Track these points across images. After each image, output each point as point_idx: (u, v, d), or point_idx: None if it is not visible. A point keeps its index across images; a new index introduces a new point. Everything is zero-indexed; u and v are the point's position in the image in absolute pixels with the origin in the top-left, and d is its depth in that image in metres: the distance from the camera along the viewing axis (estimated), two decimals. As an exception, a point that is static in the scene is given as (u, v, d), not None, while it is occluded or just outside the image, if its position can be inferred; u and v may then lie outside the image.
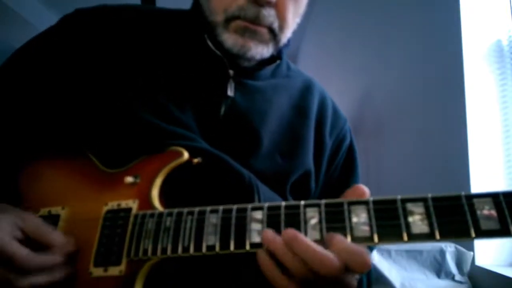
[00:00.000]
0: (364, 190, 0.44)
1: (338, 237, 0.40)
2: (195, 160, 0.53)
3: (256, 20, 0.55)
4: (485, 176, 1.09)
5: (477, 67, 1.16)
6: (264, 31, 0.57)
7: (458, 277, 1.02)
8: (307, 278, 0.39)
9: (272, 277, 0.40)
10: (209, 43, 0.60)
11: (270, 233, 0.41)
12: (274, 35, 0.58)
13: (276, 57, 0.66)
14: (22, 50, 0.64)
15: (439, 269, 1.04)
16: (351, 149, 0.73)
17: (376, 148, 1.82)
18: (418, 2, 1.51)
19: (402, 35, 1.64)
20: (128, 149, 0.55)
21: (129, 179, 0.52)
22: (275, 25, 0.57)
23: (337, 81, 2.48)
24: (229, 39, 0.57)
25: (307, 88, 0.71)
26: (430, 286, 1.02)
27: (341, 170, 0.71)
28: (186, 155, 0.52)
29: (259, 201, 0.55)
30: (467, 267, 1.03)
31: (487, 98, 1.14)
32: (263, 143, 0.61)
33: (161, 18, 0.66)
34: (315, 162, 0.66)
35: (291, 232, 0.40)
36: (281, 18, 0.57)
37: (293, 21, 0.60)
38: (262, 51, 0.59)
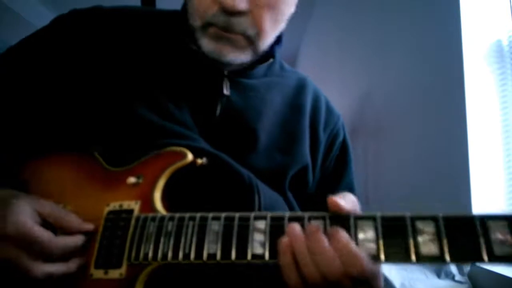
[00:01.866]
0: (336, 203, 0.42)
1: (341, 234, 0.40)
2: (199, 161, 0.52)
3: (228, 28, 0.55)
4: (485, 176, 1.09)
5: (477, 67, 1.16)
6: (238, 38, 0.57)
7: (458, 277, 1.03)
8: (317, 283, 0.39)
9: (289, 274, 0.41)
10: (193, 46, 0.60)
11: (297, 227, 0.41)
12: (250, 41, 0.58)
13: (269, 55, 0.66)
14: (14, 50, 0.64)
15: (439, 269, 1.04)
16: (344, 144, 0.74)
17: (376, 148, 1.82)
18: (418, 2, 1.51)
19: (402, 36, 1.64)
20: (129, 147, 0.55)
21: (131, 179, 0.52)
22: (250, 33, 0.57)
23: (337, 81, 2.48)
24: (206, 45, 0.57)
25: (301, 86, 0.72)
26: (430, 286, 1.02)
27: (334, 164, 0.72)
28: (190, 157, 0.52)
29: (259, 201, 0.55)
30: (467, 267, 1.03)
31: (487, 98, 1.14)
32: (260, 140, 0.61)
33: (156, 18, 0.67)
34: (311, 158, 0.67)
35: (314, 226, 0.41)
36: (257, 26, 0.57)
37: (272, 28, 0.59)
38: (239, 56, 0.58)
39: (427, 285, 1.02)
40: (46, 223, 0.47)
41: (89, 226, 0.49)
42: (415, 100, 1.49)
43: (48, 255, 0.45)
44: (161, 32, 0.65)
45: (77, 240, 0.47)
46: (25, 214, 0.45)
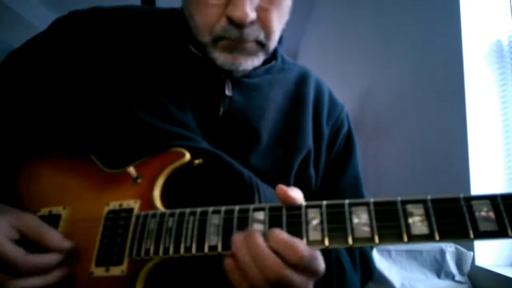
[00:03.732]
0: (283, 189, 0.44)
1: (275, 231, 0.42)
2: (196, 161, 0.53)
3: (241, 40, 0.55)
4: (485, 176, 1.09)
5: (477, 67, 1.16)
6: (251, 45, 0.57)
7: (458, 277, 1.02)
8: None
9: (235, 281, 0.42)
10: (196, 52, 0.61)
11: (239, 237, 0.43)
12: (262, 44, 0.58)
13: (271, 57, 0.66)
14: (16, 53, 0.64)
15: (439, 269, 1.04)
16: (349, 135, 0.73)
17: (376, 147, 1.82)
18: (418, 2, 1.51)
19: (401, 36, 1.64)
20: (128, 150, 0.55)
21: (131, 169, 0.52)
22: (261, 37, 0.57)
23: (337, 79, 2.48)
24: (220, 58, 0.57)
25: (302, 79, 0.72)
26: (430, 286, 1.02)
27: (340, 156, 0.71)
28: (187, 156, 0.52)
29: (260, 200, 0.55)
30: (467, 267, 1.03)
31: (487, 98, 1.14)
32: (262, 139, 0.61)
33: (156, 18, 0.66)
34: (314, 151, 0.67)
35: (253, 231, 0.42)
36: (266, 29, 0.57)
37: (279, 26, 0.59)
38: (252, 62, 0.59)
39: (427, 285, 1.02)
40: (26, 240, 0.47)
41: (67, 244, 0.48)
42: (415, 100, 1.49)
43: (20, 273, 0.44)
44: (162, 32, 0.64)
45: (49, 259, 0.46)
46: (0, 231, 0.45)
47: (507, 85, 1.13)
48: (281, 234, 0.41)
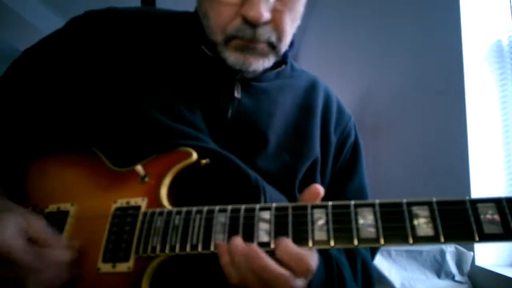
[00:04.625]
0: (318, 190, 0.46)
1: (284, 241, 0.42)
2: (203, 161, 0.53)
3: (254, 39, 0.56)
4: (485, 176, 1.09)
5: (477, 67, 1.16)
6: (262, 46, 0.58)
7: (458, 277, 1.03)
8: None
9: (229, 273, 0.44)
10: (208, 52, 0.61)
11: (239, 240, 0.43)
12: (273, 46, 0.59)
13: (281, 61, 0.66)
14: (32, 51, 0.65)
15: (439, 269, 1.04)
16: (356, 145, 0.74)
17: (376, 147, 1.82)
18: (418, 2, 1.51)
19: (402, 36, 1.64)
20: (137, 148, 0.56)
21: (139, 168, 0.52)
22: (273, 39, 0.58)
23: (338, 79, 2.48)
24: (231, 57, 0.58)
25: (312, 87, 0.72)
26: (430, 286, 1.02)
27: (345, 166, 0.72)
28: (195, 155, 0.53)
29: (265, 202, 0.55)
30: (467, 267, 1.03)
31: (487, 98, 1.14)
32: (269, 143, 0.62)
33: (169, 20, 0.67)
34: (321, 159, 0.67)
35: (254, 249, 0.42)
36: (278, 30, 0.57)
37: (291, 29, 0.60)
38: (263, 64, 0.59)
39: (427, 285, 1.02)
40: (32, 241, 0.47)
41: (74, 243, 0.48)
42: (415, 100, 1.49)
43: (35, 270, 0.44)
44: (174, 34, 0.65)
45: (61, 254, 0.46)
46: (10, 231, 0.44)
47: (507, 85, 1.14)
48: (289, 246, 0.42)
